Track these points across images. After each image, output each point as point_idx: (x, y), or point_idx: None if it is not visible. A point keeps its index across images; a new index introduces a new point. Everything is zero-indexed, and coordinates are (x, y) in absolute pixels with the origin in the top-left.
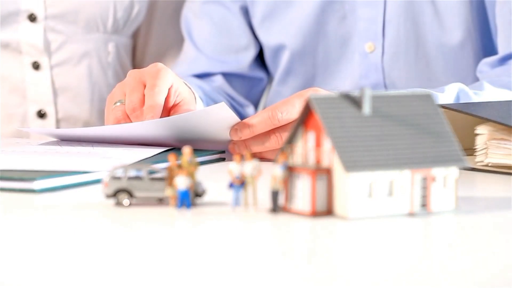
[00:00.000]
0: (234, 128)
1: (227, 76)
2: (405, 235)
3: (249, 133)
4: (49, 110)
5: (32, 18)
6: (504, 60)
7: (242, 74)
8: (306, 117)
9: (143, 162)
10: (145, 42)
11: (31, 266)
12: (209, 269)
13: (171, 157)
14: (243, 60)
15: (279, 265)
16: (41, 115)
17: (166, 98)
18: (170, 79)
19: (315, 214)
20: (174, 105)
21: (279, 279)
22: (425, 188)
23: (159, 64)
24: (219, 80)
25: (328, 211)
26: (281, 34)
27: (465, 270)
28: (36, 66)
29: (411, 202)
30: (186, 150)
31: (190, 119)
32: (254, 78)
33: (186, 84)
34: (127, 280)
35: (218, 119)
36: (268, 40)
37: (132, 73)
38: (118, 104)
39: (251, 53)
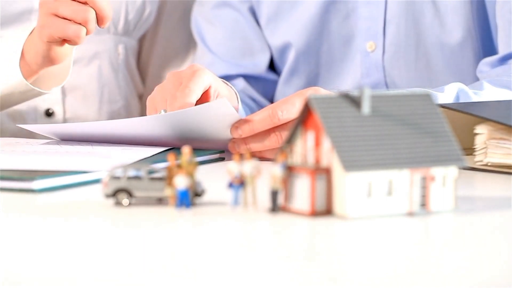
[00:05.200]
0: (235, 126)
1: (245, 78)
2: (404, 234)
3: (249, 130)
4: (57, 109)
5: None
6: (504, 59)
7: (259, 76)
8: (305, 116)
9: (142, 161)
10: (151, 46)
11: (30, 265)
12: (208, 268)
13: (171, 156)
14: (260, 63)
15: (278, 265)
16: (49, 114)
17: (205, 99)
18: (207, 79)
19: (314, 213)
20: None
21: (278, 279)
22: (424, 188)
23: (196, 65)
24: (241, 83)
25: (327, 211)
26: (286, 34)
27: (464, 270)
28: None
29: (410, 201)
30: (186, 150)
31: (191, 115)
32: (269, 79)
33: (227, 84)
34: (127, 279)
35: (219, 115)
36: (274, 41)
37: (171, 77)
38: (162, 113)
39: (267, 55)
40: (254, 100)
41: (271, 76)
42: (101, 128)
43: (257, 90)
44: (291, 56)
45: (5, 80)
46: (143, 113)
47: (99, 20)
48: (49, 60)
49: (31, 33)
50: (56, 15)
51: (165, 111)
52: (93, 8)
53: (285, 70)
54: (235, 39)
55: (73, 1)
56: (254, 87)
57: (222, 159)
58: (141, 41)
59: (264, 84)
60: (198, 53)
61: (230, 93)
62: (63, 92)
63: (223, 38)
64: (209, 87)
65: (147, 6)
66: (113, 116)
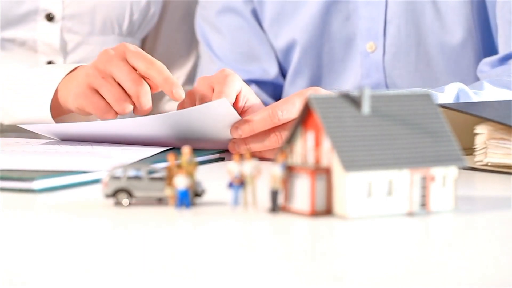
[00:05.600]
0: (235, 126)
1: (256, 83)
2: (404, 234)
3: (249, 130)
4: None
5: (49, 17)
6: (504, 59)
7: (269, 81)
8: (305, 116)
9: (142, 161)
10: (153, 47)
11: (30, 265)
12: (208, 268)
13: (171, 156)
14: (269, 69)
15: (278, 265)
16: None
17: (234, 104)
18: (238, 84)
19: (314, 213)
20: (243, 111)
21: (279, 279)
22: (424, 188)
23: (227, 70)
24: (253, 89)
25: (327, 211)
26: (289, 35)
27: (464, 270)
28: None
29: (410, 201)
30: (186, 150)
31: (191, 115)
32: (279, 84)
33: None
34: (127, 280)
35: (219, 115)
36: (278, 42)
37: (201, 80)
38: None
39: (274, 60)
40: (266, 105)
41: (281, 80)
42: (101, 128)
43: (268, 95)
44: (295, 58)
45: (34, 113)
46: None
47: (136, 111)
48: (77, 112)
49: (68, 73)
50: (97, 92)
51: None
52: (135, 103)
53: (289, 72)
54: (241, 45)
55: (118, 88)
56: (265, 92)
57: (222, 159)
58: (143, 41)
59: (274, 89)
60: (204, 59)
61: (256, 99)
62: None
63: (230, 45)
64: (239, 92)
65: (151, 6)
66: (117, 116)
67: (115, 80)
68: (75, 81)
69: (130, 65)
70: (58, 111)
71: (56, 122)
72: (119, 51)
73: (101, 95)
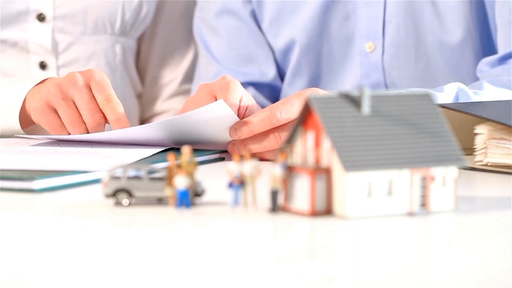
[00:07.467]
0: (234, 128)
1: (254, 86)
2: (404, 234)
3: (248, 132)
4: None
5: (41, 18)
6: (503, 59)
7: (267, 84)
8: (305, 117)
9: (142, 161)
10: (149, 46)
11: (30, 265)
12: (208, 269)
13: (171, 156)
14: (267, 71)
15: (278, 265)
16: None
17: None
18: (240, 91)
19: (314, 213)
20: (243, 116)
21: (278, 279)
22: (424, 188)
23: (228, 77)
24: (251, 92)
25: (327, 211)
26: (288, 36)
27: (464, 270)
28: (43, 66)
29: (410, 201)
30: (186, 150)
31: (189, 120)
32: (277, 86)
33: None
34: (127, 280)
35: (218, 118)
36: (277, 43)
37: (202, 88)
38: None
39: (272, 62)
40: (263, 107)
41: (279, 83)
42: (101, 137)
43: (266, 97)
44: (294, 58)
45: (5, 125)
46: (141, 113)
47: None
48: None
49: (37, 84)
50: (54, 111)
51: None
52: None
53: (288, 72)
54: (239, 48)
55: (76, 112)
56: (262, 94)
57: (222, 159)
58: (140, 40)
59: (271, 91)
60: (202, 61)
61: (254, 103)
62: None
63: (228, 47)
64: (241, 98)
65: (143, 6)
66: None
67: (74, 104)
68: (38, 95)
69: (92, 94)
70: (27, 121)
71: (26, 131)
72: (86, 76)
73: (57, 114)
